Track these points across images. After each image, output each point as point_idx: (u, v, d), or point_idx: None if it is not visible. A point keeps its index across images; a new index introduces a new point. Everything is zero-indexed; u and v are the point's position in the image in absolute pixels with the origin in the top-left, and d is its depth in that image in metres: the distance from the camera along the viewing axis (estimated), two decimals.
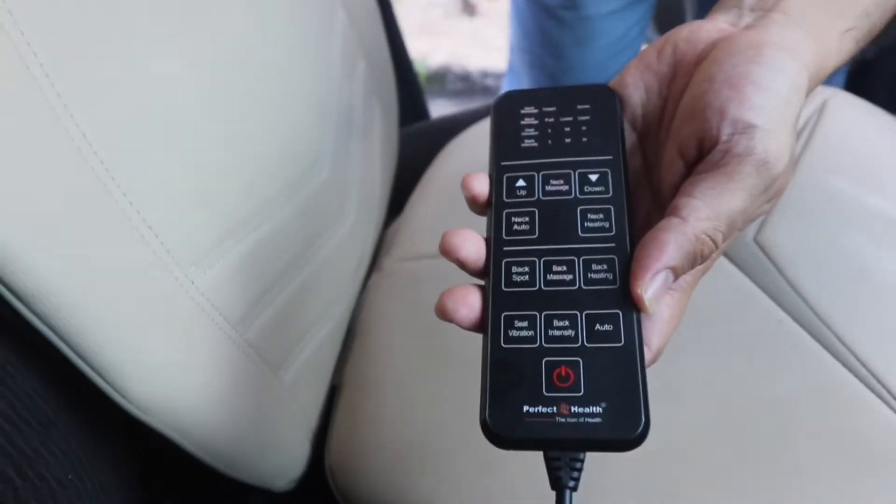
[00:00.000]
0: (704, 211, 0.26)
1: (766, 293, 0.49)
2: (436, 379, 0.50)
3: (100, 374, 0.33)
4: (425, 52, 1.97)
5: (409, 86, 0.96)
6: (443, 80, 1.94)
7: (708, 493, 0.40)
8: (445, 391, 0.49)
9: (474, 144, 0.73)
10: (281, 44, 0.48)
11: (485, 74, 1.94)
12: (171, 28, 0.37)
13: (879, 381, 0.43)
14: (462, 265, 0.29)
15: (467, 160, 0.70)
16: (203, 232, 0.38)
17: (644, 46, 1.02)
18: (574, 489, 0.25)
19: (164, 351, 0.36)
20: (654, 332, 0.27)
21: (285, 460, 0.49)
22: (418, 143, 0.84)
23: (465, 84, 1.94)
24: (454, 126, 0.80)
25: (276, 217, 0.45)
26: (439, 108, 1.72)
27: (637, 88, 0.32)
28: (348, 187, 0.60)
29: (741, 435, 0.42)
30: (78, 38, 0.31)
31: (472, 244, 0.28)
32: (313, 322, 0.52)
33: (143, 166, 0.34)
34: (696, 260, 0.27)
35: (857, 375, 0.43)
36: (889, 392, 0.42)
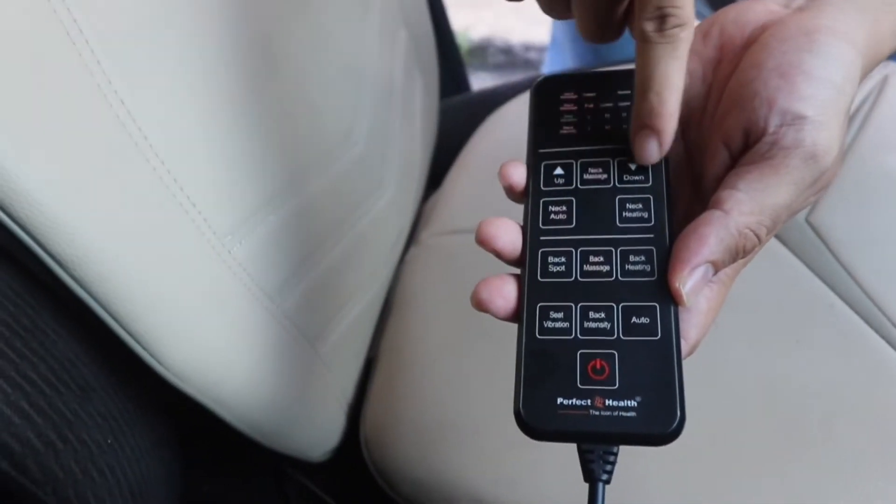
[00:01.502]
0: (748, 205, 0.26)
1: (817, 276, 0.47)
2: (470, 355, 0.50)
3: (137, 341, 0.33)
4: (467, 24, 1.95)
5: (450, 58, 0.95)
6: (484, 53, 1.92)
7: (755, 486, 0.39)
8: (479, 368, 0.49)
9: (515, 118, 0.71)
10: (315, 13, 0.47)
11: (527, 47, 1.90)
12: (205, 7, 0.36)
13: None
14: (498, 255, 0.28)
15: (507, 134, 0.69)
16: (239, 201, 0.38)
17: None
18: (607, 482, 0.25)
19: (201, 319, 0.36)
20: (692, 325, 0.26)
21: (321, 431, 0.49)
22: (458, 116, 0.83)
23: (507, 57, 1.91)
24: (495, 99, 0.79)
25: (312, 187, 0.45)
26: (480, 82, 1.70)
27: None
28: (387, 159, 0.59)
29: (786, 423, 0.41)
30: (121, 19, 0.31)
31: (509, 234, 0.28)
32: (351, 294, 0.52)
33: (180, 135, 0.34)
34: (738, 254, 0.26)
35: None
36: None
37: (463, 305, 0.54)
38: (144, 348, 0.34)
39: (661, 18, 0.25)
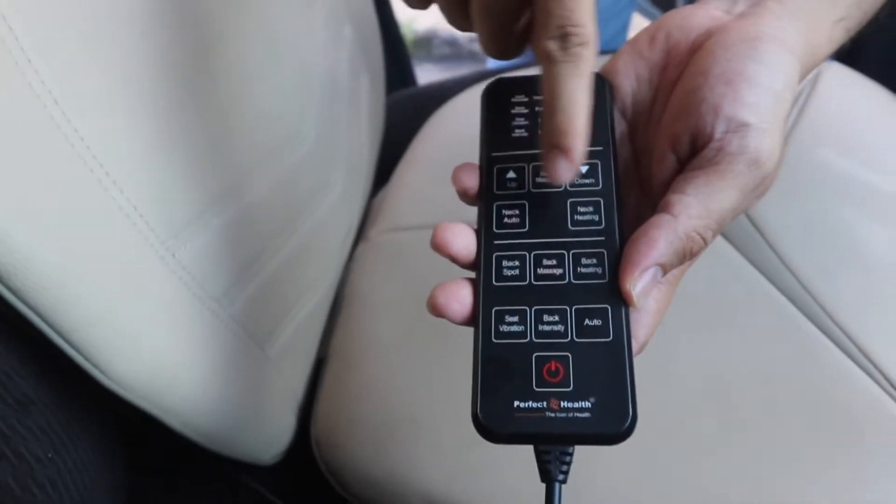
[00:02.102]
0: (696, 209, 0.26)
1: (755, 267, 0.49)
2: (421, 351, 0.50)
3: (79, 351, 0.32)
4: (412, 15, 1.94)
5: (396, 52, 0.94)
6: (429, 44, 1.91)
7: (695, 467, 0.41)
8: (431, 363, 0.49)
9: (462, 113, 0.71)
10: (258, 11, 0.46)
11: (472, 39, 1.91)
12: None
13: (863, 353, 0.43)
14: (453, 260, 0.28)
15: (455, 130, 0.69)
16: (182, 204, 0.37)
17: (635, 12, 1.01)
18: (563, 482, 0.26)
19: (145, 326, 0.35)
20: (641, 325, 0.27)
21: (271, 434, 0.49)
22: (405, 111, 0.83)
23: (453, 49, 1.91)
24: (442, 94, 0.79)
25: (258, 188, 0.44)
26: (426, 73, 1.69)
27: (628, 76, 0.32)
28: (335, 157, 0.58)
29: (728, 408, 0.42)
30: (53, 15, 0.30)
31: (463, 239, 0.28)
32: (300, 295, 0.51)
33: (119, 138, 0.33)
34: (686, 256, 0.27)
35: (841, 348, 0.44)
36: (872, 363, 0.43)
37: (412, 302, 0.54)
38: (86, 358, 0.33)
39: (564, 37, 0.25)
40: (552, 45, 0.26)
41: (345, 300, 0.58)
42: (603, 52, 0.78)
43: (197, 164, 0.38)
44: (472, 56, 1.87)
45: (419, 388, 0.48)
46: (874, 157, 0.54)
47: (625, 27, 0.97)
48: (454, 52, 1.89)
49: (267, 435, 0.48)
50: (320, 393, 0.53)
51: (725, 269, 0.49)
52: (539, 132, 0.31)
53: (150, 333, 0.35)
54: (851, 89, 0.61)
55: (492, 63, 1.05)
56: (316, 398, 0.53)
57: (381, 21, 0.81)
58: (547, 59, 0.26)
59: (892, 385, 0.42)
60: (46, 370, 0.35)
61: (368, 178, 0.69)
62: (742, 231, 0.50)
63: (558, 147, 0.27)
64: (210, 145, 0.39)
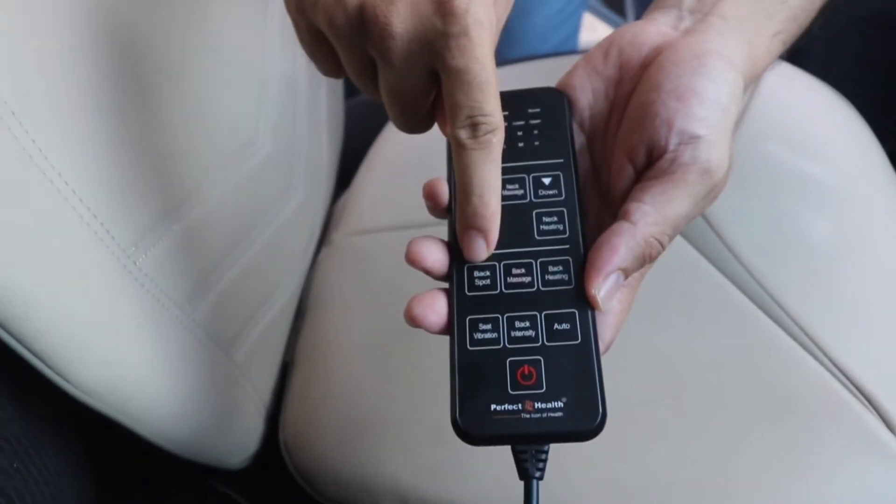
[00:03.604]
0: (653, 216, 0.28)
1: (707, 259, 0.50)
2: (386, 352, 0.51)
3: (42, 360, 0.32)
4: None
5: None
6: None
7: (652, 453, 0.42)
8: (396, 364, 0.50)
9: None
10: (212, 21, 0.46)
11: None
12: (90, 10, 0.35)
13: (809, 337, 0.45)
14: (427, 272, 0.30)
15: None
16: (142, 211, 0.37)
17: (585, 12, 1.03)
18: (540, 479, 0.27)
19: (108, 334, 0.35)
20: (607, 326, 0.29)
21: (239, 439, 0.49)
22: (365, 115, 0.83)
23: None
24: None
25: (216, 195, 0.45)
26: None
27: (584, 91, 0.33)
28: (295, 162, 0.59)
29: (683, 395, 0.44)
30: (6, 29, 0.30)
31: (436, 253, 0.29)
32: (264, 299, 0.51)
33: (77, 148, 0.33)
34: (645, 261, 0.29)
35: (789, 332, 0.45)
36: (818, 346, 0.44)
37: (376, 304, 0.54)
38: (49, 367, 0.33)
39: (474, 126, 0.27)
40: (463, 134, 0.27)
41: (310, 304, 0.58)
42: (556, 54, 0.80)
43: (155, 171, 0.38)
44: None
45: (385, 387, 0.49)
46: (817, 150, 0.56)
47: (576, 30, 0.99)
48: None
49: (235, 439, 0.48)
50: (287, 396, 0.53)
51: (678, 261, 0.50)
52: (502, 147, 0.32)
53: (114, 341, 0.35)
54: (796, 86, 0.64)
55: None
56: (283, 401, 0.53)
57: None
58: (458, 146, 0.27)
59: (835, 366, 0.44)
60: (9, 380, 0.35)
61: (330, 183, 0.70)
62: (694, 224, 0.52)
63: (474, 228, 0.28)
64: (167, 152, 0.40)
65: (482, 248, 0.29)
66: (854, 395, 0.42)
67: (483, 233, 0.28)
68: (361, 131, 0.78)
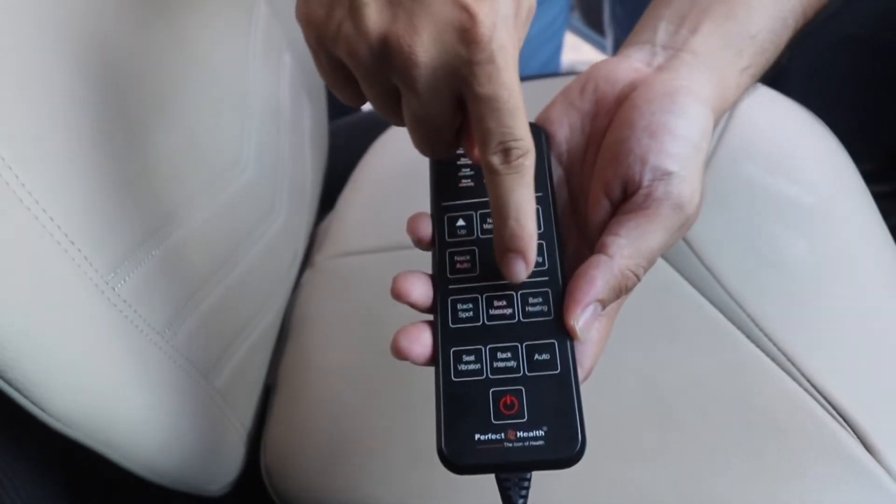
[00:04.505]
0: (628, 249, 0.29)
1: (686, 280, 0.51)
2: (369, 376, 0.50)
3: (16, 388, 0.32)
4: None
5: None
6: None
7: (634, 472, 0.42)
8: (379, 387, 0.50)
9: (405, 139, 0.72)
10: (193, 43, 0.47)
11: None
12: (69, 33, 0.35)
13: (787, 357, 0.45)
14: (413, 306, 0.30)
15: (398, 155, 0.70)
16: (120, 237, 0.37)
17: (566, 31, 1.04)
18: None
19: (85, 361, 0.35)
20: (586, 355, 0.30)
21: (220, 465, 0.48)
22: (349, 137, 0.84)
23: None
24: (385, 119, 0.80)
25: (197, 218, 0.44)
26: None
27: (562, 125, 0.34)
28: (278, 184, 0.59)
29: (663, 415, 0.44)
30: None
31: (420, 288, 0.30)
32: (245, 323, 0.51)
33: (53, 173, 0.33)
34: (621, 292, 0.29)
35: (766, 353, 0.46)
36: (797, 368, 0.45)
37: (359, 327, 0.54)
38: (24, 395, 0.32)
39: (506, 152, 0.27)
40: (495, 160, 0.28)
41: (292, 327, 0.58)
42: (538, 76, 0.80)
43: (133, 196, 0.38)
44: None
45: (367, 411, 0.49)
46: (795, 172, 0.57)
47: (558, 50, 1.00)
48: None
49: (215, 466, 0.48)
50: (269, 421, 0.53)
51: (658, 283, 0.51)
52: (484, 181, 0.33)
53: (91, 368, 0.35)
54: (774, 109, 0.65)
55: None
56: (265, 426, 0.53)
57: None
58: (491, 172, 0.28)
59: (813, 386, 0.44)
60: None
61: (313, 205, 0.70)
62: (674, 247, 0.52)
63: (513, 251, 0.29)
64: (146, 176, 0.40)
65: (522, 270, 0.29)
66: (832, 416, 0.43)
67: (522, 254, 0.29)
68: (345, 152, 0.78)
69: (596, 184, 0.32)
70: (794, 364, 0.45)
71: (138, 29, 0.41)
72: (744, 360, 0.46)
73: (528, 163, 0.28)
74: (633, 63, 0.34)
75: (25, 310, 0.31)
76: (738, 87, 0.34)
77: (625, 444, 0.43)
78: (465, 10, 0.26)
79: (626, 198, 0.30)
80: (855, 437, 0.42)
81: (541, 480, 0.42)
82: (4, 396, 0.32)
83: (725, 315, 0.48)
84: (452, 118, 0.29)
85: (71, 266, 0.34)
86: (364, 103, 0.32)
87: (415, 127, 0.30)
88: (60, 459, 0.41)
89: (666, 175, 0.30)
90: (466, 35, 0.26)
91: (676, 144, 0.30)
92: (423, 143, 0.31)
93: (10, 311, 0.31)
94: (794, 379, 0.44)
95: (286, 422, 0.51)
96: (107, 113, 0.37)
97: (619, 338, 0.47)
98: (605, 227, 0.30)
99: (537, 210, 0.32)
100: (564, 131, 0.34)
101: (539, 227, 0.31)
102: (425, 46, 0.26)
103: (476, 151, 0.29)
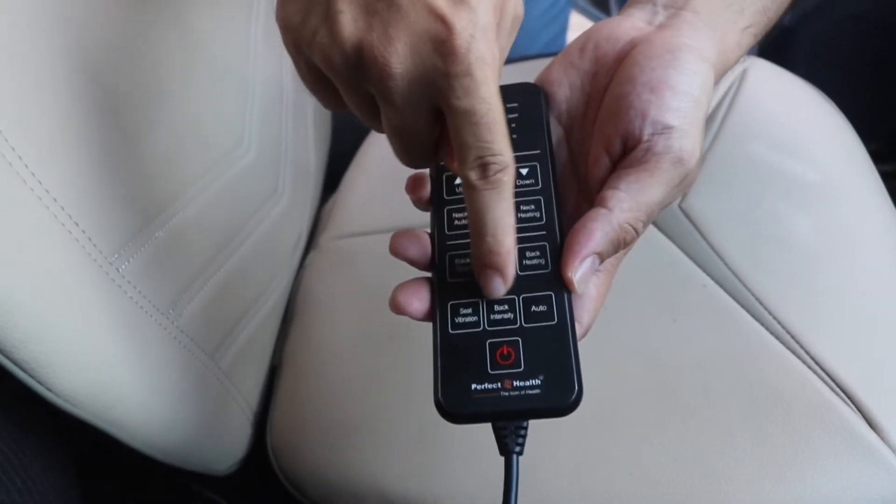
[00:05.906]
0: (628, 203, 0.29)
1: (690, 258, 0.51)
2: (374, 355, 0.51)
3: (23, 369, 0.32)
4: None
5: None
6: None
7: (638, 450, 0.42)
8: (383, 366, 0.50)
9: None
10: (195, 27, 0.46)
11: None
12: (71, 16, 0.35)
13: (790, 334, 0.45)
14: (411, 262, 0.31)
15: None
16: (124, 218, 0.37)
17: (571, 11, 1.03)
18: (520, 454, 0.28)
19: (91, 342, 0.35)
20: (584, 310, 0.30)
21: (226, 444, 0.49)
22: (353, 118, 0.83)
23: None
24: None
25: (200, 200, 0.45)
26: None
27: (562, 85, 0.34)
28: (281, 165, 0.59)
29: (668, 394, 0.44)
30: None
31: (418, 244, 0.30)
32: (250, 304, 0.51)
33: (58, 156, 0.33)
34: (620, 245, 0.29)
35: (770, 330, 0.46)
36: (801, 346, 0.45)
37: (364, 307, 0.54)
38: (31, 376, 0.33)
39: (484, 167, 0.27)
40: (473, 175, 0.27)
41: (297, 307, 0.58)
42: (545, 55, 0.80)
43: (137, 178, 0.38)
44: None
45: (372, 390, 0.49)
46: (801, 150, 0.57)
47: (563, 29, 0.99)
48: None
49: (222, 446, 0.48)
50: (275, 400, 0.53)
51: (663, 261, 0.51)
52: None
53: (97, 349, 0.35)
54: (780, 85, 0.64)
55: None
56: (271, 406, 0.53)
57: None
58: (469, 187, 0.27)
59: (818, 364, 0.44)
60: None
61: (317, 186, 0.70)
62: (677, 223, 0.52)
63: (490, 267, 0.28)
64: (150, 158, 0.40)
65: (500, 286, 0.29)
66: (836, 394, 0.43)
67: (499, 270, 0.28)
68: (349, 133, 0.78)
69: (596, 141, 0.32)
70: (798, 342, 0.45)
71: (141, 11, 0.41)
72: (748, 338, 0.46)
73: (507, 178, 0.27)
74: (635, 22, 0.34)
75: (31, 292, 0.32)
76: (739, 47, 0.34)
77: (629, 422, 0.43)
78: (441, 20, 0.25)
79: (626, 153, 0.30)
80: (859, 414, 0.42)
81: (540, 454, 0.42)
82: (12, 377, 0.33)
83: (729, 293, 0.48)
84: (430, 129, 0.29)
85: (76, 248, 0.34)
86: (346, 108, 0.31)
87: (393, 137, 0.30)
88: (68, 438, 0.41)
89: (666, 129, 0.29)
90: (442, 46, 0.25)
91: (677, 99, 0.30)
92: (402, 153, 0.30)
93: (17, 293, 0.31)
94: (798, 356, 0.44)
95: (292, 402, 0.52)
96: (110, 94, 0.37)
97: (621, 315, 0.48)
98: (604, 183, 0.30)
99: (535, 167, 0.32)
100: (564, 91, 0.34)
101: (537, 184, 0.31)
102: (400, 57, 0.25)
103: (455, 164, 0.28)
